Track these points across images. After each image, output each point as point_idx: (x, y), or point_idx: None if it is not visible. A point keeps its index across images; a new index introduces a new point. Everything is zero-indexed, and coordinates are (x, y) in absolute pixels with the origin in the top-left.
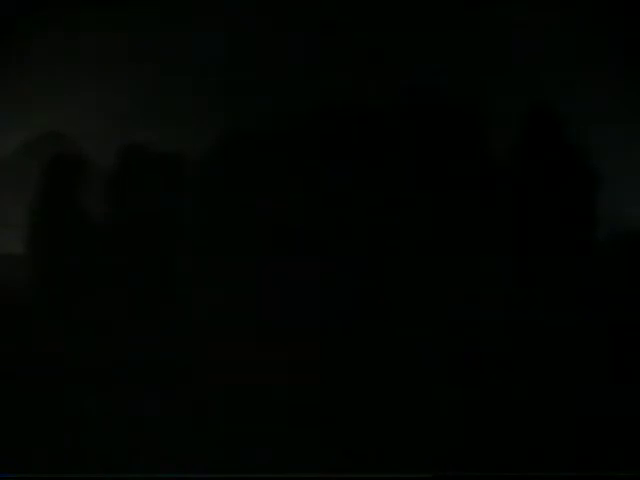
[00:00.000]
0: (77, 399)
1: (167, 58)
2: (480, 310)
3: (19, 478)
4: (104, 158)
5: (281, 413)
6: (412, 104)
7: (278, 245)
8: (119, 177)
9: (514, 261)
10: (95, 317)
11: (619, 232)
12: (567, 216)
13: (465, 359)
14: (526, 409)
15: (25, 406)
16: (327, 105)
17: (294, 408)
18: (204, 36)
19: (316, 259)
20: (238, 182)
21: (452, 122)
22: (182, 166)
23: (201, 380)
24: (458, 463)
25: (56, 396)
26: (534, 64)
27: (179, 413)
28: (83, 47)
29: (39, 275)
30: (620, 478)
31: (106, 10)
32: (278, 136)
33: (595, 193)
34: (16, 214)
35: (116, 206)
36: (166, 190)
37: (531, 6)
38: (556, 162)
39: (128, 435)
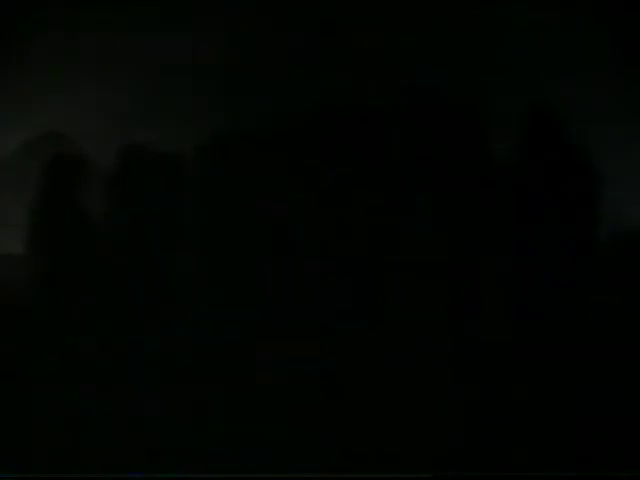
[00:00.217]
0: (77, 399)
1: (167, 58)
2: (481, 309)
3: (19, 478)
4: (104, 158)
5: (283, 409)
6: (412, 104)
7: (277, 245)
8: (119, 177)
9: (514, 261)
10: (95, 317)
11: (619, 232)
12: (568, 216)
13: (471, 354)
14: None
15: (25, 405)
16: (327, 105)
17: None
18: (204, 36)
19: (315, 259)
20: (238, 182)
21: (452, 122)
22: (182, 166)
23: (201, 381)
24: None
25: (56, 396)
26: (534, 64)
27: (177, 414)
28: (83, 47)
29: (39, 275)
30: (620, 478)
31: (106, 10)
32: (277, 136)
33: (596, 193)
34: (16, 214)
35: (116, 206)
36: (166, 190)
37: (531, 6)
38: (556, 162)
39: (127, 435)
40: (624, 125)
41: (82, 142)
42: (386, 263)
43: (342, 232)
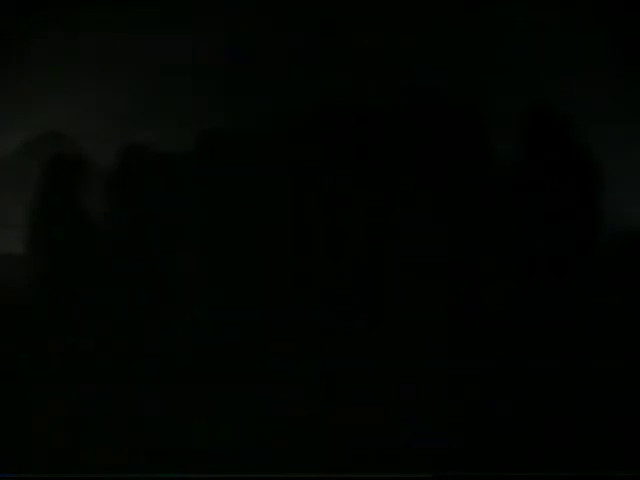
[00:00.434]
0: (77, 399)
1: (167, 58)
2: (481, 309)
3: (19, 478)
4: (104, 158)
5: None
6: (412, 104)
7: (277, 245)
8: (119, 177)
9: (514, 261)
10: (95, 317)
11: (619, 232)
12: (568, 216)
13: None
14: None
15: (25, 406)
16: (327, 105)
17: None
18: (203, 36)
19: (315, 259)
20: (238, 182)
21: (452, 122)
22: (182, 166)
23: (201, 383)
24: None
25: (56, 396)
26: (534, 64)
27: (177, 414)
28: (83, 47)
29: (39, 275)
30: (620, 478)
31: (106, 10)
32: (277, 136)
33: (597, 193)
34: (16, 214)
35: (116, 206)
36: (166, 190)
37: (531, 6)
38: (556, 161)
39: (126, 434)
40: (624, 125)
41: (82, 142)
42: (386, 263)
43: (342, 232)
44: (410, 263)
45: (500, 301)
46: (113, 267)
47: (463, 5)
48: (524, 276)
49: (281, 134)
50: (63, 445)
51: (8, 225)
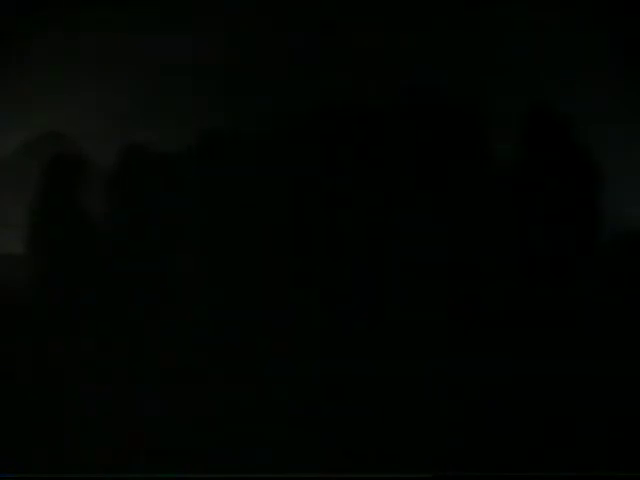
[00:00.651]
0: (77, 399)
1: (167, 58)
2: (481, 310)
3: (19, 478)
4: (104, 158)
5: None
6: (412, 104)
7: (278, 246)
8: (119, 177)
9: (514, 261)
10: (95, 317)
11: (619, 232)
12: (569, 216)
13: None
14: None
15: (25, 406)
16: (327, 105)
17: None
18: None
19: (315, 260)
20: (238, 182)
21: (452, 121)
22: (181, 166)
23: (201, 383)
24: None
25: (56, 396)
26: (534, 64)
27: (177, 414)
28: (83, 47)
29: (39, 275)
30: (620, 478)
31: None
32: (277, 136)
33: (597, 193)
34: (16, 214)
35: (116, 206)
36: (166, 190)
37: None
38: (556, 161)
39: (127, 435)
40: (624, 125)
41: (82, 142)
42: (386, 263)
43: (342, 232)
44: (410, 263)
45: (500, 301)
46: (113, 267)
47: (463, 5)
48: (524, 276)
49: (281, 134)
50: (63, 445)
51: (8, 225)
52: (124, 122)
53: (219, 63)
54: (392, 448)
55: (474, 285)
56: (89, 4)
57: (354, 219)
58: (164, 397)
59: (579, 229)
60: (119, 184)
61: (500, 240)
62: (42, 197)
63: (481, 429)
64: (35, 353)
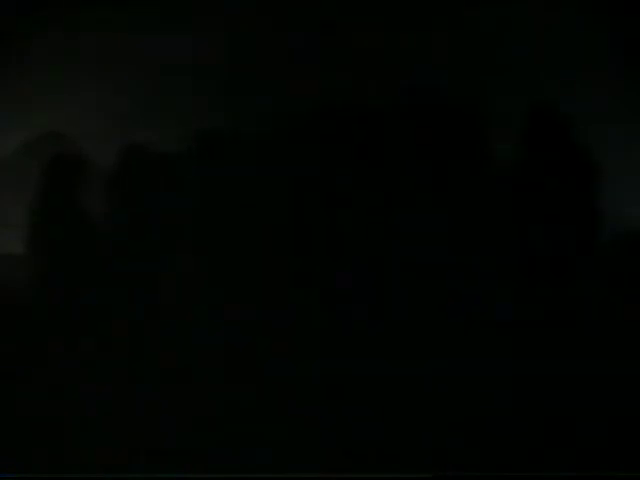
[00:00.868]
0: (77, 399)
1: (167, 58)
2: (480, 310)
3: (19, 478)
4: (104, 158)
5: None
6: (412, 104)
7: (278, 246)
8: (119, 177)
9: (514, 261)
10: (95, 317)
11: (619, 232)
12: (568, 216)
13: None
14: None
15: (24, 406)
16: (327, 105)
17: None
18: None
19: (313, 260)
20: (238, 182)
21: (452, 121)
22: (181, 166)
23: (201, 383)
24: None
25: (56, 396)
26: (534, 64)
27: (178, 414)
28: (83, 47)
29: (39, 275)
30: (620, 478)
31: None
32: (277, 136)
33: (597, 193)
34: (16, 214)
35: (116, 206)
36: (166, 190)
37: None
38: (556, 161)
39: (126, 435)
40: (624, 125)
41: (82, 142)
42: (386, 263)
43: (342, 232)
44: (410, 263)
45: (499, 301)
46: (113, 267)
47: (463, 5)
48: (524, 276)
49: (281, 134)
50: (62, 445)
51: (8, 225)
52: (124, 122)
53: (219, 63)
54: (391, 448)
55: (474, 285)
56: (89, 4)
57: (354, 219)
58: (164, 397)
59: (579, 229)
60: (119, 184)
61: (500, 240)
62: (42, 197)
63: (480, 429)
64: (35, 353)
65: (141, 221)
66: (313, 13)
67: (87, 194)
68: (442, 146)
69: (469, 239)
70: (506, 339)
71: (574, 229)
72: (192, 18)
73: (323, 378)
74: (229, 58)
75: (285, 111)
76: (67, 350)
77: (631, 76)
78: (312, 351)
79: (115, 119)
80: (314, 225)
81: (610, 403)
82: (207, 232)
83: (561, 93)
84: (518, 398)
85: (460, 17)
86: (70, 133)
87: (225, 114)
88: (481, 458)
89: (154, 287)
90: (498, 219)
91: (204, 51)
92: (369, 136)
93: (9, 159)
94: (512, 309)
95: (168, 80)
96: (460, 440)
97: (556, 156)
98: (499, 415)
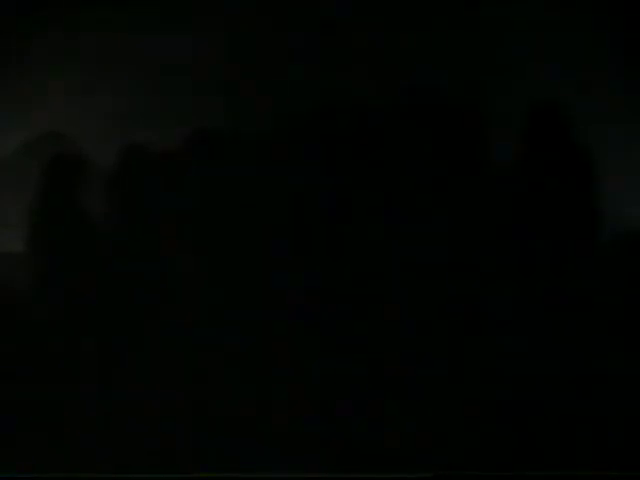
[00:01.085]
0: (77, 399)
1: (167, 58)
2: (481, 310)
3: (19, 478)
4: (104, 158)
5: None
6: (412, 104)
7: (278, 246)
8: (119, 177)
9: (514, 261)
10: (96, 317)
11: (619, 232)
12: (568, 216)
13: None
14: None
15: (25, 406)
16: (327, 105)
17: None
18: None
19: (313, 260)
20: (238, 182)
21: (452, 121)
22: (181, 166)
23: (201, 383)
24: None
25: (56, 396)
26: (534, 64)
27: (178, 415)
28: (83, 47)
29: (39, 275)
30: (620, 478)
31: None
32: (277, 136)
33: (597, 192)
34: (16, 214)
35: (116, 206)
36: (166, 190)
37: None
38: (556, 161)
39: (126, 435)
40: (624, 125)
41: (82, 142)
42: (386, 263)
43: (341, 232)
44: (410, 263)
45: (499, 302)
46: (113, 267)
47: (463, 5)
48: (523, 276)
49: (281, 134)
50: (61, 445)
51: (8, 225)
52: (124, 122)
53: (219, 63)
54: (388, 448)
55: (474, 286)
56: (89, 4)
57: (353, 219)
58: (164, 397)
59: (579, 229)
60: (119, 184)
61: (499, 240)
62: (42, 197)
63: (477, 430)
64: (34, 353)
65: (141, 221)
66: (313, 13)
67: (87, 194)
68: (442, 146)
69: (469, 239)
70: (506, 339)
71: (573, 229)
72: (192, 18)
73: (323, 378)
74: (229, 58)
75: (285, 111)
76: (66, 349)
77: (632, 76)
78: (312, 351)
79: (115, 119)
80: (313, 225)
81: (610, 403)
82: (207, 232)
83: (561, 93)
84: (518, 399)
85: (460, 17)
86: (70, 133)
87: (225, 114)
88: (481, 458)
89: (154, 287)
90: (497, 218)
91: (204, 51)
92: (369, 136)
93: (9, 159)
94: (512, 309)
95: (168, 80)
96: (459, 441)
97: (555, 156)
98: (499, 415)
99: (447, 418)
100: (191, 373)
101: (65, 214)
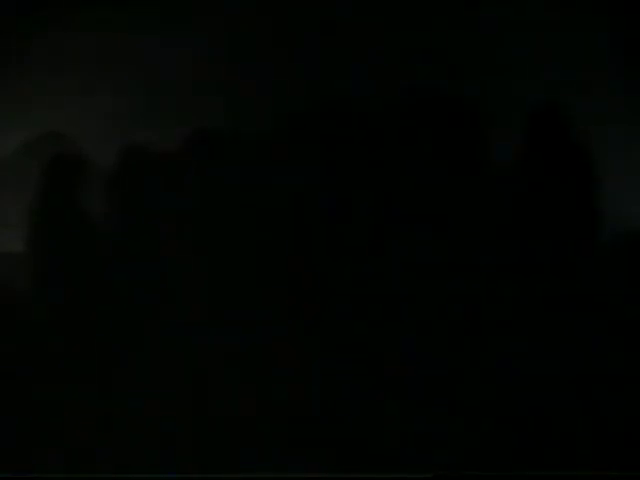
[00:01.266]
0: (77, 400)
1: (167, 58)
2: (481, 311)
3: (19, 478)
4: (104, 158)
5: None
6: (412, 104)
7: (278, 246)
8: (119, 177)
9: (514, 261)
10: (96, 317)
11: (619, 232)
12: (568, 216)
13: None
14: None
15: (25, 406)
16: (327, 105)
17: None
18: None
19: (313, 260)
20: (238, 182)
21: (452, 121)
22: (181, 166)
23: (200, 383)
24: None
25: (56, 396)
26: (534, 64)
27: (178, 415)
28: (83, 47)
29: (39, 275)
30: (620, 478)
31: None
32: (277, 136)
33: (597, 192)
34: (16, 214)
35: (116, 206)
36: (166, 190)
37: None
38: (556, 161)
39: (126, 435)
40: (624, 125)
41: (82, 142)
42: (386, 263)
43: (341, 232)
44: (410, 263)
45: (499, 301)
46: (113, 267)
47: (463, 5)
48: (524, 276)
49: (281, 134)
50: (61, 445)
51: (8, 225)
52: (124, 122)
53: (219, 63)
54: (388, 448)
55: (474, 286)
56: (89, 4)
57: (354, 219)
58: (163, 397)
59: (579, 229)
60: (119, 184)
61: (499, 240)
62: (42, 197)
63: (477, 430)
64: (34, 353)
65: (141, 221)
66: (312, 13)
67: (87, 194)
68: (442, 146)
69: (469, 239)
70: (505, 339)
71: (573, 229)
72: (192, 18)
73: (323, 378)
74: (229, 58)
75: (285, 111)
76: (67, 350)
77: (632, 76)
78: (312, 352)
79: (115, 119)
80: (313, 225)
81: (610, 403)
82: (207, 232)
83: (561, 93)
84: (517, 399)
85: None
86: (70, 133)
87: (225, 114)
88: (481, 459)
89: (154, 287)
90: (498, 219)
91: (204, 51)
92: (369, 136)
93: (9, 159)
94: (512, 309)
95: (168, 80)
96: (459, 441)
97: (555, 156)
98: (500, 416)
99: (447, 418)
100: (191, 373)
101: (65, 214)
